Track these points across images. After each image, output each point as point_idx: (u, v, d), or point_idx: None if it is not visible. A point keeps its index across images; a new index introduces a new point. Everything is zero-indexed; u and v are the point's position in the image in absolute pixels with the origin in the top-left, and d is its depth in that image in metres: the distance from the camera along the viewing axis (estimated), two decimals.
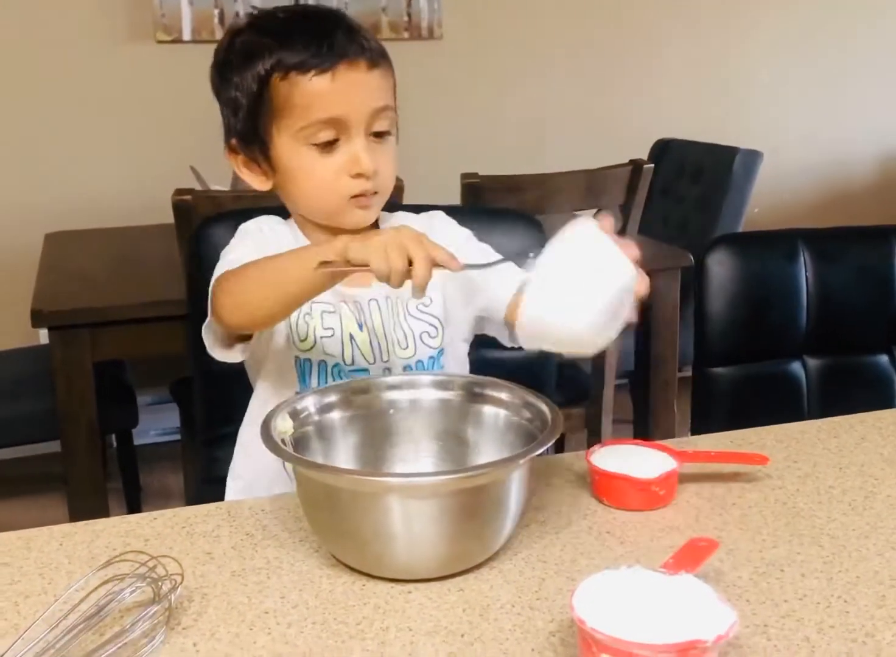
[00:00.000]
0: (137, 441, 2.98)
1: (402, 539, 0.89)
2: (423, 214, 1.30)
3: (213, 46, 3.39)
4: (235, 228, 1.47)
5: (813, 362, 1.58)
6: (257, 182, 1.20)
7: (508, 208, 1.88)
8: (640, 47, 3.72)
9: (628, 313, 0.92)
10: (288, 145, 1.14)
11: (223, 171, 2.80)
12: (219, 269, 1.14)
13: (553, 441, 0.93)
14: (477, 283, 1.21)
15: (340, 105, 1.11)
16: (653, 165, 2.32)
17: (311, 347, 1.17)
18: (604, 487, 1.06)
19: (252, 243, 1.20)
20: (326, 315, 1.18)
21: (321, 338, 1.18)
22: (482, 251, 1.25)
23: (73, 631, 0.79)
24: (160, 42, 3.21)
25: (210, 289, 1.11)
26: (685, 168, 3.25)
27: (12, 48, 3.06)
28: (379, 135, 1.15)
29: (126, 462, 2.81)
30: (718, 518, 1.02)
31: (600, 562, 0.93)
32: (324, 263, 0.96)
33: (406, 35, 3.39)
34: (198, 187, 2.74)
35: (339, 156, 1.13)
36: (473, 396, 1.06)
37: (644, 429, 2.66)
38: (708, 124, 3.66)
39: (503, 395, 1.04)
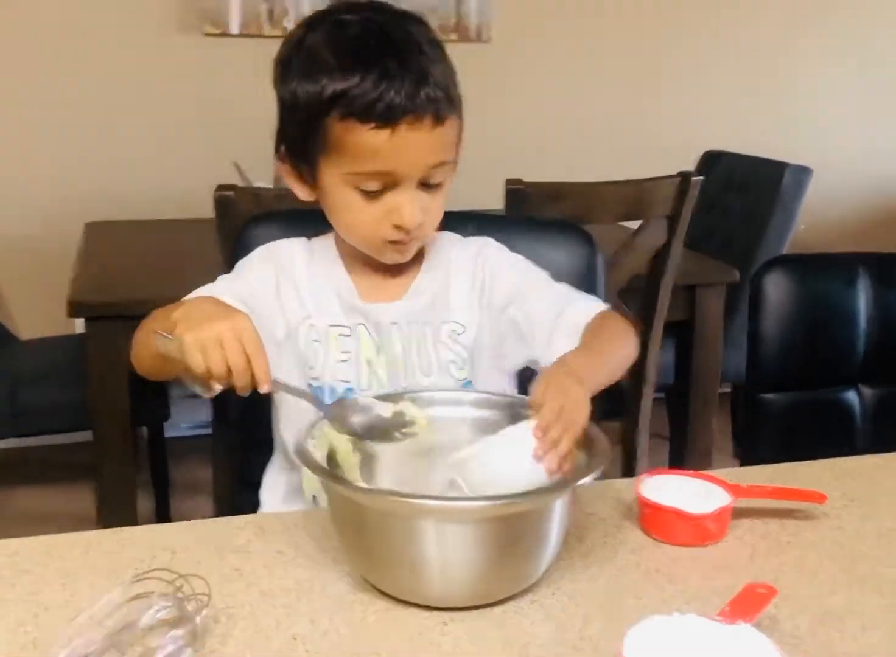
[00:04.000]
0: (169, 433, 2.97)
1: (436, 566, 0.85)
2: (471, 239, 1.25)
3: (261, 41, 3.39)
4: (279, 230, 1.44)
5: (868, 391, 1.52)
6: (301, 192, 1.14)
7: (556, 219, 1.82)
8: (692, 57, 3.65)
9: None
10: (332, 181, 1.08)
11: (266, 168, 2.79)
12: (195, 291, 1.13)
13: (601, 469, 0.88)
14: (522, 333, 1.17)
15: (394, 162, 1.04)
16: (702, 178, 2.26)
17: (320, 374, 1.14)
18: (653, 520, 1.01)
19: (234, 279, 1.18)
20: (343, 338, 1.15)
21: (336, 362, 1.14)
22: (539, 278, 1.21)
23: (96, 649, 0.75)
24: (207, 35, 3.19)
25: None
26: (733, 182, 3.19)
27: (60, 38, 3.05)
28: (431, 186, 1.09)
29: (156, 455, 2.79)
30: (774, 559, 0.97)
31: (647, 601, 0.89)
32: (158, 333, 0.94)
33: (454, 37, 3.35)
34: (240, 183, 2.72)
35: (384, 204, 1.07)
36: (517, 417, 1.01)
37: (681, 445, 2.61)
38: (758, 138, 3.59)
39: None
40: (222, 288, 1.13)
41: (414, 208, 1.07)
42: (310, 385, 1.14)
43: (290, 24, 3.24)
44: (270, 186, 2.74)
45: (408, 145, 1.03)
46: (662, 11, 3.59)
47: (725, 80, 3.71)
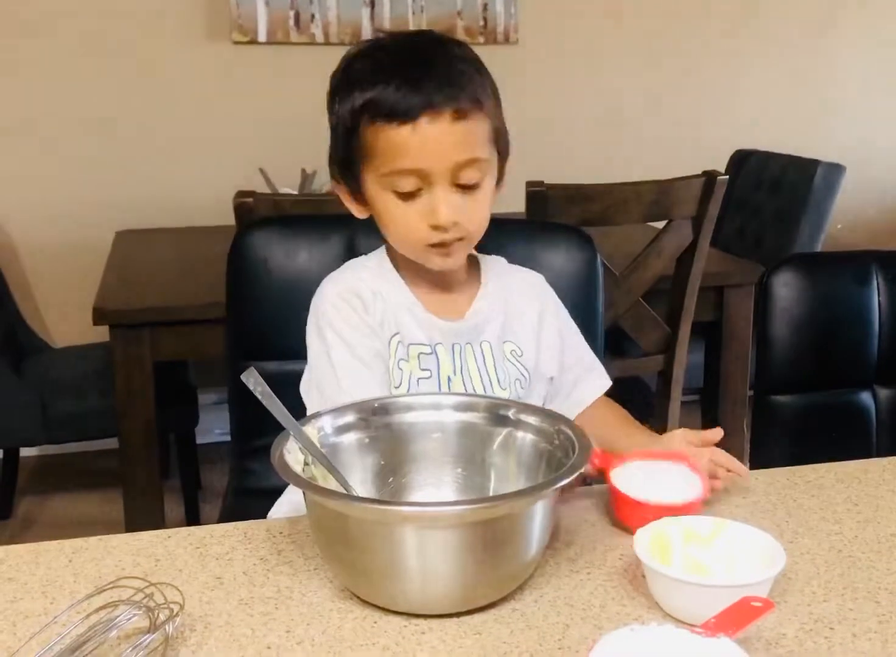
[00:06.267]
0: (202, 439, 2.99)
1: (415, 573, 0.84)
2: (523, 270, 1.29)
3: (288, 48, 3.40)
4: (279, 234, 1.44)
5: (884, 393, 1.48)
6: (356, 211, 1.18)
7: (559, 223, 1.81)
8: (722, 55, 3.60)
9: None
10: (373, 187, 1.12)
11: (292, 175, 2.81)
12: (315, 386, 1.16)
13: (580, 471, 0.87)
14: (566, 361, 1.26)
15: (420, 157, 1.07)
16: (727, 177, 2.22)
17: (404, 393, 1.15)
18: (624, 512, 0.99)
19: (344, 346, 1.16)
20: (423, 357, 1.16)
21: (418, 380, 1.15)
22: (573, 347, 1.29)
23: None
24: (236, 43, 3.21)
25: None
26: (763, 180, 3.14)
27: (89, 48, 3.09)
28: (466, 187, 1.10)
29: (185, 461, 2.81)
30: None
31: (632, 609, 0.87)
32: None
33: (481, 40, 3.34)
34: (267, 190, 2.73)
35: (419, 204, 1.09)
36: (499, 419, 1.00)
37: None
38: (790, 136, 3.53)
39: (531, 419, 0.99)
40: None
41: (448, 207, 1.08)
42: None
43: (317, 29, 3.26)
44: (295, 192, 2.75)
45: (431, 139, 1.06)
46: (690, 9, 3.55)
47: (755, 78, 3.65)
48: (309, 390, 1.17)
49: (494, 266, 1.26)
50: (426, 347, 1.16)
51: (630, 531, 0.95)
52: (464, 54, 1.13)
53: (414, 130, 1.06)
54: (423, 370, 1.15)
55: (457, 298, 1.20)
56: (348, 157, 1.13)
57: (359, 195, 1.16)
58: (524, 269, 1.30)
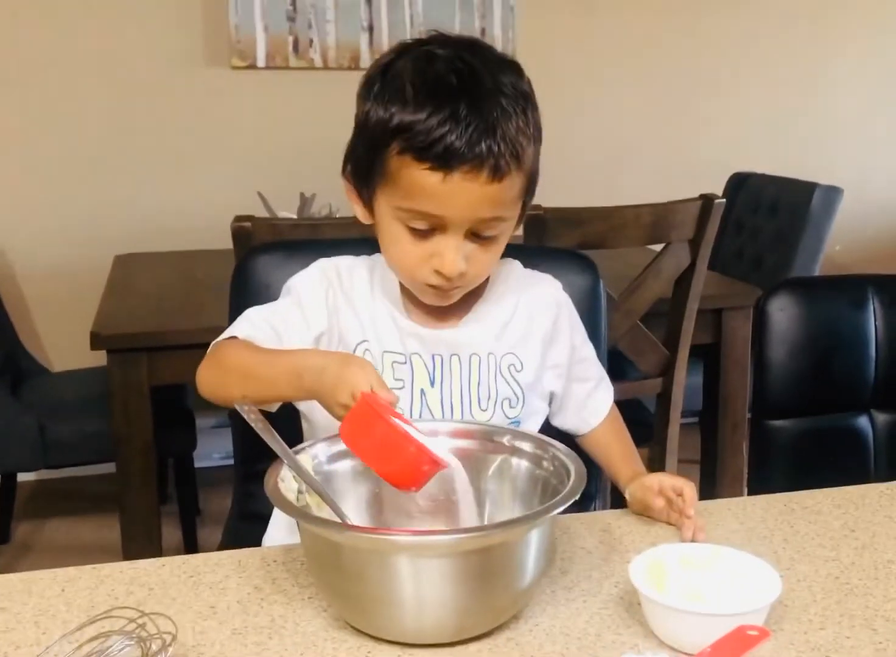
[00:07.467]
0: (200, 464, 2.98)
1: (409, 602, 0.83)
2: (540, 276, 1.24)
3: (287, 73, 3.39)
4: (282, 260, 1.43)
5: (882, 417, 1.47)
6: (360, 214, 1.12)
7: (561, 248, 1.81)
8: (720, 77, 3.62)
9: None
10: (385, 211, 1.07)
11: (291, 198, 2.82)
12: (233, 325, 1.10)
13: (576, 498, 0.86)
14: (577, 374, 1.23)
15: (443, 207, 1.01)
16: (724, 200, 2.23)
17: None
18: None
19: (289, 305, 1.14)
20: (397, 366, 1.12)
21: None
22: (585, 360, 1.26)
23: None
24: (235, 68, 3.23)
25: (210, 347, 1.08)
26: (762, 203, 3.15)
27: (90, 72, 3.10)
28: (482, 237, 1.05)
29: (183, 485, 2.80)
30: None
31: (628, 638, 0.86)
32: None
33: None
34: (265, 214, 2.74)
35: (428, 245, 1.04)
36: (494, 446, 1.00)
37: (711, 471, 2.57)
38: (788, 159, 3.55)
39: (525, 446, 0.98)
40: (259, 321, 1.11)
41: (456, 257, 1.03)
42: None
43: (315, 55, 3.28)
44: (294, 216, 2.75)
45: (460, 194, 1.00)
46: (690, 32, 3.57)
47: (753, 101, 3.67)
48: None
49: (506, 273, 1.20)
50: (400, 356, 1.12)
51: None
52: (514, 89, 1.04)
53: (444, 181, 0.99)
54: (397, 380, 1.11)
55: (455, 306, 1.14)
56: (366, 167, 1.06)
57: (366, 202, 1.10)
58: (541, 274, 1.24)
